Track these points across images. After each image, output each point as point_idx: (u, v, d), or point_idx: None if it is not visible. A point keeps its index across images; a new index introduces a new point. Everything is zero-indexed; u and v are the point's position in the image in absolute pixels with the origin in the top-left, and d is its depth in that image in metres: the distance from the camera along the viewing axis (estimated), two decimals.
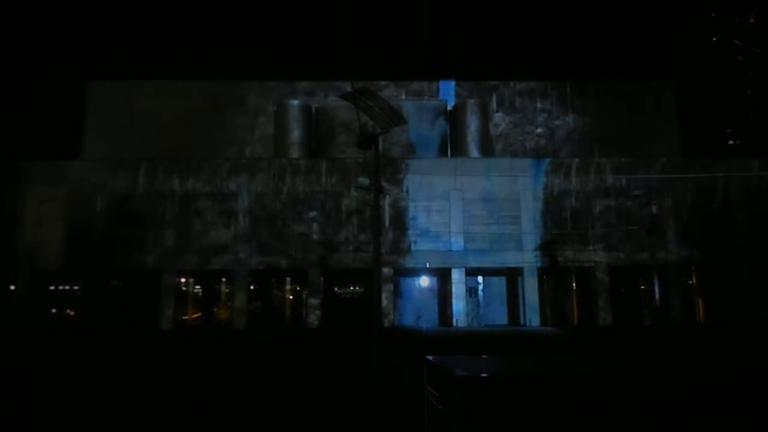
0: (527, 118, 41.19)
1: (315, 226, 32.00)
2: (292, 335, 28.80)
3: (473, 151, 37.38)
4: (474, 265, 32.16)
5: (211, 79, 41.58)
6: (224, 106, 40.32)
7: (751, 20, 72.98)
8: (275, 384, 14.70)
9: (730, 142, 71.97)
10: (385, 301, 30.15)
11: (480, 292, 34.86)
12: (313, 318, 31.42)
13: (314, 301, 31.71)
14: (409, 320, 33.94)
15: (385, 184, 29.37)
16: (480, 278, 34.73)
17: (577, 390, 6.85)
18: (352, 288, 34.85)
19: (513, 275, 33.86)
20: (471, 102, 39.43)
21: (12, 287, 31.18)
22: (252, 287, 33.25)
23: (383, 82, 40.63)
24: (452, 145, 38.95)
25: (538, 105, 41.41)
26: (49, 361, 19.82)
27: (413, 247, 32.02)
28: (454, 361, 9.00)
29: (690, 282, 33.00)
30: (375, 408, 11.61)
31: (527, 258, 32.13)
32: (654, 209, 29.78)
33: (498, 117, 41.00)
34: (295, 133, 37.73)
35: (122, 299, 31.70)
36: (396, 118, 16.05)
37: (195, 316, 33.91)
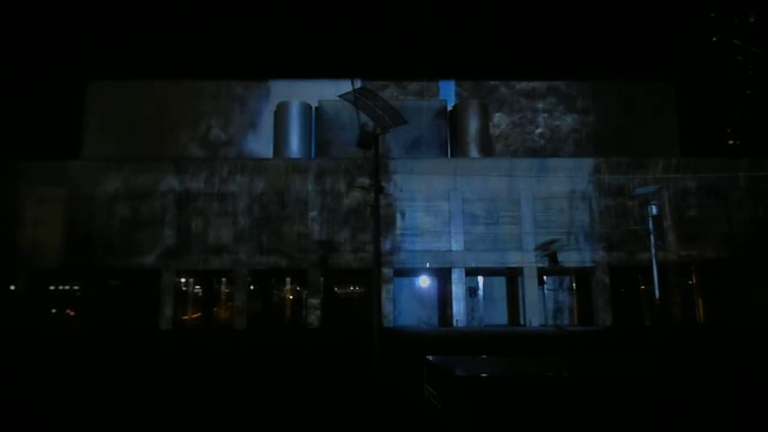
0: (527, 118, 41.18)
1: (315, 226, 32.00)
2: (292, 335, 28.80)
3: (473, 151, 37.36)
4: (474, 265, 32.14)
5: (212, 79, 41.54)
6: (224, 105, 40.33)
7: (751, 20, 72.94)
8: (276, 384, 14.70)
9: (730, 142, 71.95)
10: (385, 301, 30.15)
11: (480, 292, 34.86)
12: (313, 318, 31.42)
13: (314, 301, 31.70)
14: (408, 320, 33.93)
15: (384, 184, 29.40)
16: (480, 278, 34.72)
17: (576, 390, 6.86)
18: (352, 288, 34.84)
19: (513, 275, 33.85)
20: (471, 102, 39.43)
21: (12, 287, 31.17)
22: (252, 287, 33.24)
23: (383, 82, 40.64)
24: (452, 145, 38.94)
25: (538, 105, 41.40)
26: (49, 361, 19.81)
27: (413, 247, 32.01)
28: (454, 361, 9.01)
29: None
30: (375, 408, 11.61)
31: (527, 258, 32.12)
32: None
33: (498, 117, 41.00)
34: (295, 133, 37.72)
35: (122, 299, 31.69)
36: (396, 118, 16.05)
37: (195, 316, 33.90)
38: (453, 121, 38.89)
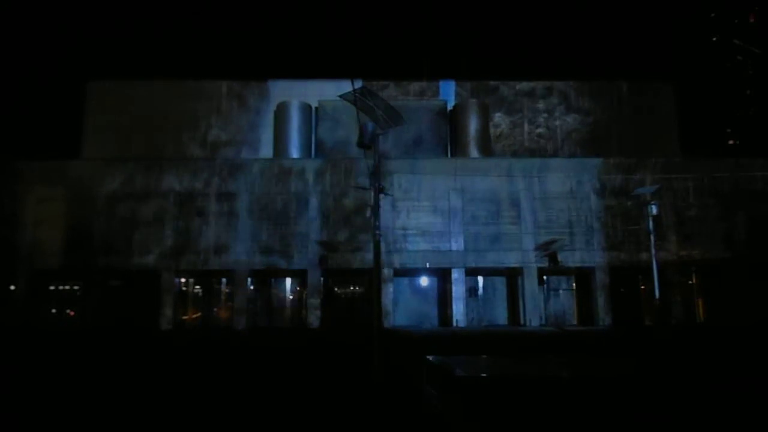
0: (527, 118, 41.18)
1: (315, 226, 31.99)
2: (292, 336, 28.80)
3: (473, 151, 37.36)
4: (474, 265, 32.14)
5: (212, 79, 41.54)
6: (224, 105, 40.33)
7: (751, 20, 72.94)
8: (276, 384, 14.70)
9: (730, 142, 71.97)
10: (384, 301, 30.14)
11: (480, 292, 34.86)
12: (313, 318, 31.41)
13: (314, 301, 31.70)
14: (408, 320, 33.91)
15: (384, 184, 29.31)
16: (480, 278, 34.71)
17: (575, 390, 6.86)
18: (352, 288, 34.84)
19: (513, 275, 33.85)
20: (471, 102, 39.43)
21: (12, 287, 31.16)
22: (252, 287, 33.24)
23: (383, 82, 40.65)
24: (452, 145, 38.93)
25: (538, 105, 41.40)
26: (49, 361, 19.81)
27: (413, 247, 32.00)
28: (454, 361, 9.01)
29: None
30: (375, 408, 11.61)
31: (527, 258, 32.11)
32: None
33: (498, 117, 41.00)
34: (295, 133, 37.72)
35: (122, 299, 31.69)
36: (396, 118, 16.07)
37: (195, 316, 33.91)
38: (453, 121, 38.87)
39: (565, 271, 33.65)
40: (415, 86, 41.51)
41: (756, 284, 31.65)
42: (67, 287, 32.64)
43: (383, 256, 23.94)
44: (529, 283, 32.17)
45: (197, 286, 34.73)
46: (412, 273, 33.76)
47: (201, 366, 18.43)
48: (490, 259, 32.09)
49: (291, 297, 35.00)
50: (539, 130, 41.08)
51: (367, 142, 15.46)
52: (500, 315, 34.74)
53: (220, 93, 40.52)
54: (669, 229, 32.53)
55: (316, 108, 38.64)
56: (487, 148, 38.35)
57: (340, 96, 15.97)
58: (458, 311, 31.63)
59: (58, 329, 30.24)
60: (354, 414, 11.19)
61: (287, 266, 31.84)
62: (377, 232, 15.89)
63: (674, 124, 41.72)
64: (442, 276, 33.57)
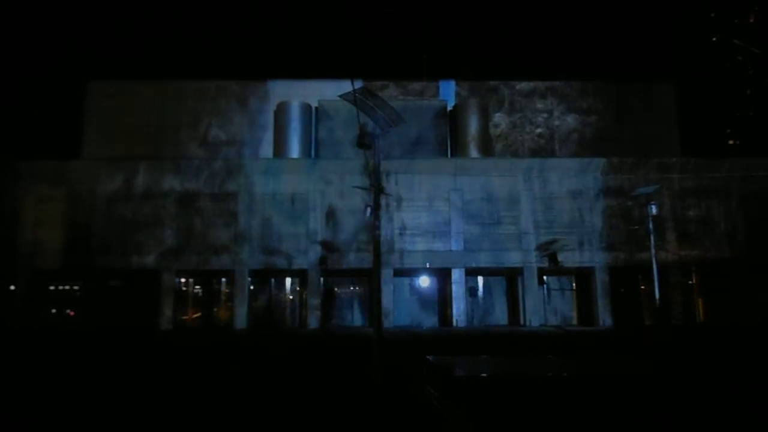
0: (527, 118, 41.17)
1: (315, 226, 31.99)
2: (292, 336, 28.81)
3: (473, 151, 37.36)
4: (474, 265, 32.14)
5: (212, 79, 41.52)
6: (224, 105, 40.32)
7: (751, 20, 72.88)
8: (275, 384, 14.71)
9: (730, 142, 71.91)
10: (384, 301, 30.13)
11: (480, 292, 34.87)
12: (313, 318, 31.41)
13: (314, 301, 31.70)
14: (408, 320, 33.92)
15: (384, 185, 29.35)
16: (480, 278, 34.72)
17: (576, 390, 6.86)
18: (352, 288, 34.83)
19: (513, 275, 33.86)
20: (471, 102, 39.42)
21: (12, 287, 31.17)
22: (252, 287, 33.24)
23: (383, 82, 40.64)
24: (452, 145, 38.93)
25: (538, 105, 41.38)
26: (49, 361, 19.81)
27: (413, 247, 32.00)
28: (454, 361, 9.01)
29: None
30: (375, 408, 11.61)
31: (527, 258, 32.12)
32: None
33: (498, 117, 40.99)
34: (295, 133, 37.71)
35: (122, 299, 31.70)
36: (396, 118, 16.07)
37: (195, 316, 33.91)
38: (453, 121, 38.86)
39: (565, 271, 33.66)
40: (415, 86, 41.48)
41: (756, 284, 31.66)
42: (67, 287, 32.64)
43: (383, 257, 23.96)
44: (529, 283, 32.17)
45: (197, 286, 34.74)
46: (412, 273, 33.77)
47: (200, 366, 18.43)
48: (490, 259, 32.10)
49: (291, 297, 34.99)
50: (539, 130, 41.07)
51: (367, 142, 15.46)
52: (500, 315, 34.74)
53: (220, 93, 40.50)
54: (669, 229, 32.55)
55: (316, 108, 38.62)
56: (487, 148, 38.35)
57: (340, 96, 15.97)
58: (458, 311, 31.65)
59: (58, 329, 30.23)
60: (354, 414, 11.19)
61: (287, 266, 31.85)
62: (377, 232, 15.90)
63: (674, 124, 41.69)
64: (442, 276, 33.57)
